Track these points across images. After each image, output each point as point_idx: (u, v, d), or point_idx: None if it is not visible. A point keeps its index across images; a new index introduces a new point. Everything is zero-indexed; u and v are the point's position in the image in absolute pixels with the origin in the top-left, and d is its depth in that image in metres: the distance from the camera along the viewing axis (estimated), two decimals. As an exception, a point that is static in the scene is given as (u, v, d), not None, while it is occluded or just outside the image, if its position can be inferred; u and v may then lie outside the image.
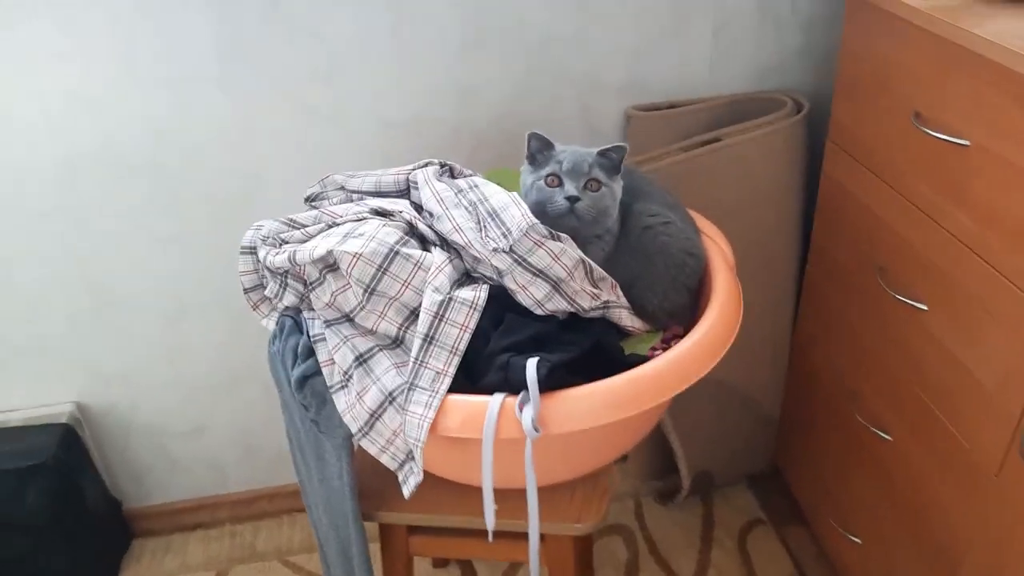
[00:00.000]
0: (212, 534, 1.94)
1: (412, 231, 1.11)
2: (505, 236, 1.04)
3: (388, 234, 1.05)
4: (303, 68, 1.42)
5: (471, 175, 1.24)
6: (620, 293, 1.15)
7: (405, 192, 1.19)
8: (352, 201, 1.20)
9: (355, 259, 1.02)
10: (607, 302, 1.11)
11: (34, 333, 1.59)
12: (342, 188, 1.23)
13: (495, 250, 1.03)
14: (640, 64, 1.50)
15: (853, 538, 1.50)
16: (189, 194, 1.50)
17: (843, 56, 1.38)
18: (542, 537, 1.22)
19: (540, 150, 1.16)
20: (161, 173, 1.47)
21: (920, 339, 1.23)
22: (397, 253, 1.03)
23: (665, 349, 1.18)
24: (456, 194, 1.12)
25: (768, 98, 1.57)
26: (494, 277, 1.07)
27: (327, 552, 1.29)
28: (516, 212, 1.05)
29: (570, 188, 1.12)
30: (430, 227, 1.11)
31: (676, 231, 1.20)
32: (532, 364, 0.96)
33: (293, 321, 1.12)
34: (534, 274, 1.04)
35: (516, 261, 1.03)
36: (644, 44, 1.48)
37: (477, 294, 1.03)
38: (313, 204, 1.24)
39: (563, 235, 1.06)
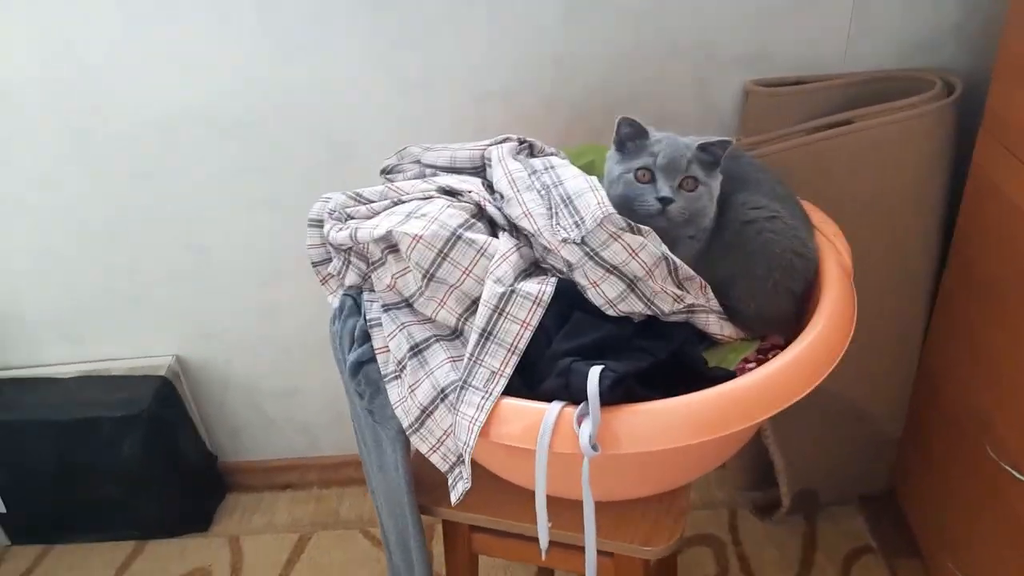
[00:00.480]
0: (300, 496, 1.97)
1: (480, 213, 1.02)
2: (577, 225, 0.93)
3: (452, 216, 0.96)
4: (394, 33, 1.36)
5: (552, 153, 1.13)
6: (710, 295, 1.02)
7: (480, 169, 1.11)
8: (426, 176, 1.13)
9: (415, 241, 0.94)
10: (692, 305, 0.98)
11: (137, 284, 1.65)
12: (418, 161, 1.16)
13: (565, 240, 0.92)
14: (765, 33, 1.33)
15: (975, 587, 1.30)
16: (281, 159, 1.49)
17: (1008, 32, 1.16)
18: (611, 554, 1.12)
19: (632, 137, 1.04)
20: (255, 136, 1.46)
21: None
22: (459, 237, 0.95)
23: (760, 363, 1.04)
24: (530, 175, 1.02)
25: (914, 77, 1.36)
26: (564, 270, 0.96)
27: (388, 538, 1.25)
28: (592, 199, 0.94)
29: (663, 187, 0.99)
30: (499, 210, 1.01)
31: (783, 227, 1.04)
32: (595, 373, 0.86)
33: (353, 301, 1.06)
34: (607, 270, 0.93)
35: (588, 254, 0.92)
36: (771, 9, 1.31)
37: (542, 288, 0.93)
38: (388, 176, 1.18)
39: (645, 228, 0.94)
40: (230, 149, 1.45)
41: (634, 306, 0.94)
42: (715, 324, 1.01)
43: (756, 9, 1.32)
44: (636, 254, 0.92)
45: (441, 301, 0.97)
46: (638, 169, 1.01)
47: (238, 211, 1.52)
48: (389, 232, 0.95)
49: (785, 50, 1.35)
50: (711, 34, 1.34)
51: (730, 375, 0.94)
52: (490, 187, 1.07)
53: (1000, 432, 1.22)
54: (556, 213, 0.96)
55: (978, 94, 1.29)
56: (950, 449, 1.42)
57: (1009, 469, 1.18)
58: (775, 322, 1.06)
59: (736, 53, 1.37)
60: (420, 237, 0.94)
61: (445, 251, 0.95)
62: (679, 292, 0.96)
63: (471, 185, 1.04)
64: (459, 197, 1.03)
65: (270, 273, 1.61)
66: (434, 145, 1.16)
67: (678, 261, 0.96)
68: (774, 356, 1.07)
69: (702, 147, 1.02)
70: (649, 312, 0.95)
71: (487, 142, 1.11)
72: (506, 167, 1.03)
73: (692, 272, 0.98)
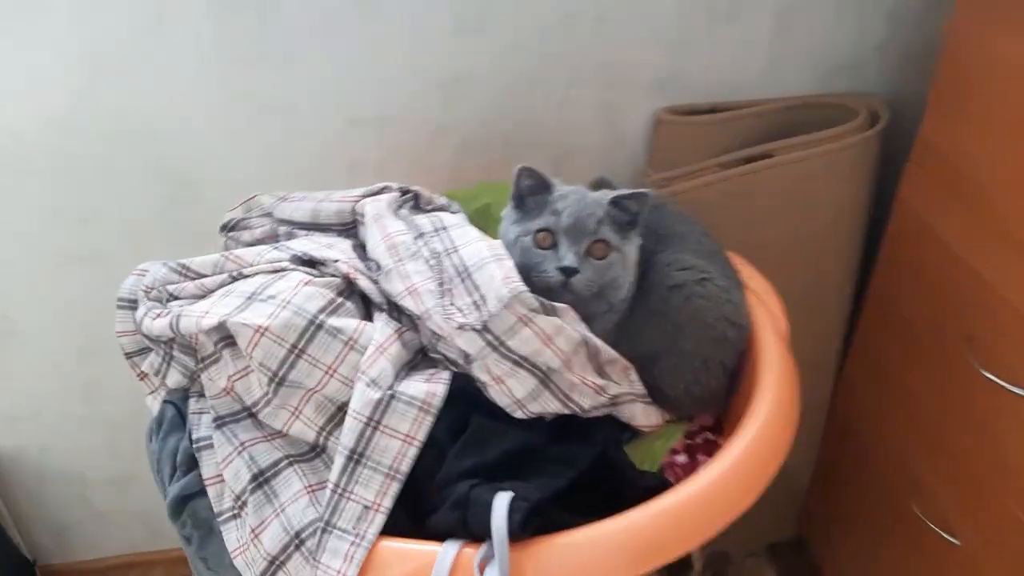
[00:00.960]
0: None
1: (350, 289, 0.80)
2: (477, 306, 0.73)
3: (310, 297, 0.75)
4: (247, 45, 1.11)
5: (443, 207, 0.93)
6: (635, 378, 0.84)
7: (351, 227, 0.89)
8: (279, 236, 0.90)
9: (258, 334, 0.72)
10: (616, 396, 0.80)
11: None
12: (269, 215, 0.93)
13: (462, 327, 0.73)
14: (678, 55, 1.19)
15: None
16: (102, 202, 1.20)
17: (946, 55, 1.04)
18: None
19: (533, 191, 0.85)
20: (67, 175, 1.17)
21: (1016, 433, 0.92)
22: (320, 326, 0.73)
23: (690, 450, 0.88)
24: (415, 239, 0.81)
25: (836, 104, 1.24)
26: (460, 362, 0.77)
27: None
28: (496, 272, 0.74)
29: (567, 254, 0.81)
30: (376, 284, 0.80)
31: (714, 292, 0.88)
32: (502, 504, 0.66)
33: (177, 411, 0.82)
34: (515, 362, 0.74)
35: (491, 344, 0.73)
36: (684, 28, 1.16)
37: (432, 389, 0.73)
38: (231, 235, 0.94)
39: (560, 305, 0.75)
40: (34, 192, 1.16)
41: (548, 405, 0.75)
42: (641, 414, 0.84)
43: (668, 28, 1.16)
44: (551, 341, 0.73)
45: (296, 410, 0.75)
46: (538, 231, 0.82)
47: (48, 270, 1.24)
48: (223, 322, 0.72)
49: (700, 73, 1.21)
50: (619, 54, 1.18)
51: (663, 483, 0.76)
52: (364, 251, 0.85)
53: (930, 492, 1.12)
54: (450, 290, 0.76)
55: (902, 121, 1.18)
56: (865, 495, 1.32)
57: (938, 531, 1.08)
58: (705, 401, 0.90)
59: (646, 77, 1.21)
60: (266, 329, 0.72)
61: (300, 346, 0.73)
62: (601, 382, 0.78)
63: (338, 251, 0.82)
64: (321, 268, 0.81)
65: (90, 343, 1.33)
66: (291, 194, 0.93)
67: (600, 344, 0.78)
68: (703, 440, 0.92)
69: (616, 202, 0.84)
70: (566, 411, 0.77)
71: (359, 192, 0.89)
72: (384, 228, 0.82)
73: (615, 354, 0.80)
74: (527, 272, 0.80)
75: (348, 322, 0.75)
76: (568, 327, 0.75)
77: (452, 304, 0.74)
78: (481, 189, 1.20)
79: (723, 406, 0.93)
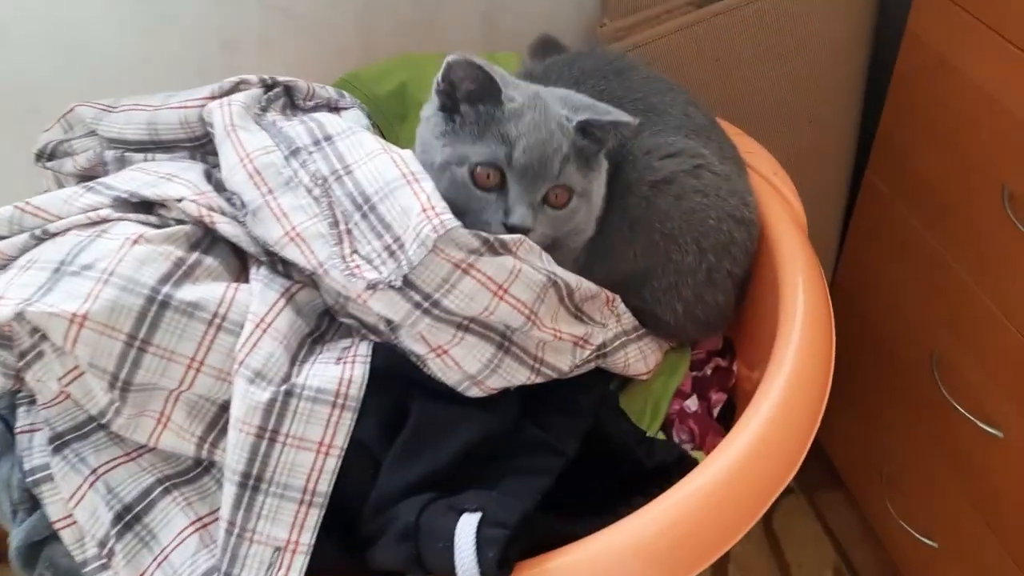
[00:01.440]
0: None
1: (209, 238, 0.56)
2: (391, 252, 0.50)
3: (145, 261, 0.50)
4: None
5: (329, 103, 0.66)
6: (622, 310, 0.63)
7: (205, 141, 0.63)
8: (108, 161, 0.64)
9: (75, 326, 0.48)
10: (604, 345, 0.59)
11: None
12: (94, 132, 0.66)
13: (372, 285, 0.50)
14: None
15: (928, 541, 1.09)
16: None
17: None
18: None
19: (472, 98, 0.59)
20: None
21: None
22: (166, 304, 0.50)
23: (699, 386, 0.69)
24: (287, 157, 0.56)
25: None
26: (382, 328, 0.54)
27: None
28: (411, 200, 0.51)
29: (518, 206, 0.56)
30: (244, 226, 0.56)
31: (712, 181, 0.67)
32: (468, 536, 0.46)
33: (5, 426, 0.58)
34: (460, 326, 0.51)
35: (419, 305, 0.50)
36: None
37: (346, 374, 0.51)
38: (49, 166, 0.67)
39: (511, 238, 0.53)
40: None
41: (513, 376, 0.54)
42: (637, 357, 0.63)
43: None
44: (505, 291, 0.51)
45: (161, 416, 0.53)
46: (479, 165, 0.57)
47: None
48: (20, 313, 0.48)
49: None
50: None
51: (681, 458, 0.57)
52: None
53: (961, 373, 0.96)
54: (348, 231, 0.52)
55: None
56: (880, 376, 1.17)
57: (974, 419, 0.93)
58: (711, 323, 0.70)
59: None
60: (83, 317, 0.48)
61: (141, 335, 0.49)
62: (581, 331, 0.57)
63: (181, 184, 0.56)
64: (160, 213, 0.56)
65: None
66: (120, 101, 0.66)
67: (572, 278, 0.56)
68: (713, 370, 0.73)
69: (585, 128, 0.59)
70: (539, 379, 0.55)
71: (206, 91, 0.62)
72: (240, 145, 0.56)
73: (594, 288, 0.58)
74: (458, 215, 0.55)
75: (208, 290, 0.51)
76: (526, 266, 0.52)
77: (355, 252, 0.51)
78: (394, 64, 0.93)
79: (731, 322, 0.73)
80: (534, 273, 0.52)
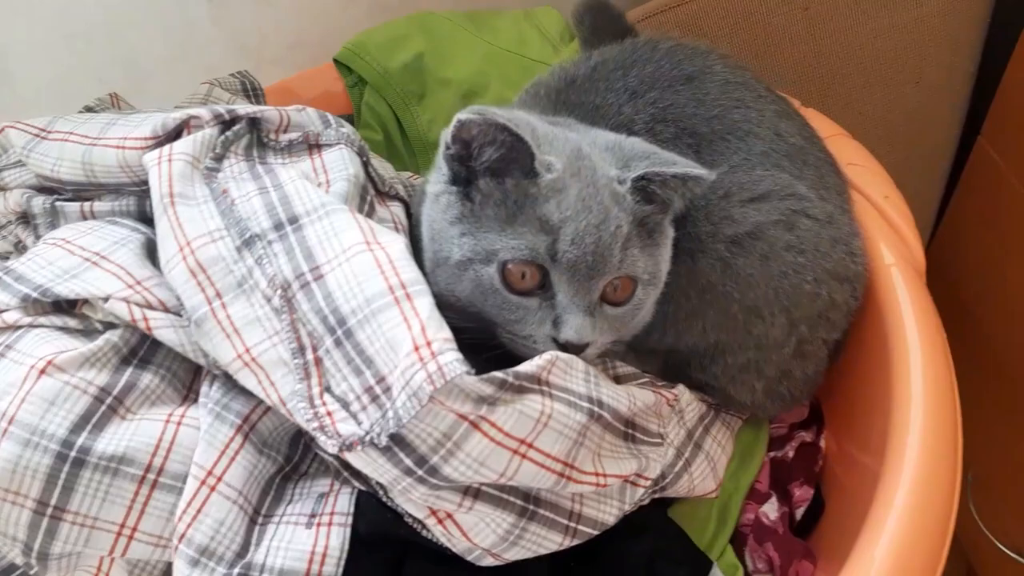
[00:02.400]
0: None
1: (146, 343, 0.43)
2: (374, 397, 0.37)
3: (53, 401, 0.38)
4: None
5: (303, 138, 0.49)
6: (685, 401, 0.50)
7: (148, 187, 0.48)
8: (36, 213, 0.50)
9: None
10: (661, 477, 0.46)
11: None
12: (19, 163, 0.52)
13: (346, 444, 0.37)
14: None
15: None
16: None
17: None
18: None
19: (498, 165, 0.43)
20: None
21: None
22: (82, 462, 0.38)
23: (778, 474, 0.56)
24: (242, 247, 0.41)
25: None
26: (367, 473, 0.41)
27: None
28: (400, 330, 0.37)
29: (573, 317, 0.42)
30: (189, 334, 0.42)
31: (811, 230, 0.51)
32: None
33: None
34: (465, 491, 0.38)
35: (410, 471, 0.37)
36: None
37: (318, 545, 0.39)
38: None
39: (535, 364, 0.39)
40: None
41: (541, 544, 0.41)
42: (704, 474, 0.49)
43: None
44: (530, 445, 0.38)
45: (98, 573, 0.42)
46: (511, 263, 0.42)
47: None
48: None
49: None
50: None
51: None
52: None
53: None
54: (318, 360, 0.38)
55: None
56: (975, 367, 1.02)
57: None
58: (797, 398, 0.56)
59: None
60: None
61: (53, 501, 0.38)
62: (630, 468, 0.43)
63: (112, 270, 0.43)
64: (85, 309, 0.43)
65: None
66: (54, 124, 0.51)
67: (623, 401, 0.42)
68: (796, 448, 0.59)
69: (644, 186, 0.44)
70: (574, 542, 0.42)
71: (147, 127, 0.47)
72: (180, 226, 0.41)
73: (650, 397, 0.45)
74: (488, 325, 0.43)
75: (140, 433, 0.39)
76: (559, 404, 0.38)
77: (327, 390, 0.38)
78: (406, 29, 0.77)
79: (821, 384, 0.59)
80: (570, 412, 0.39)
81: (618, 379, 0.48)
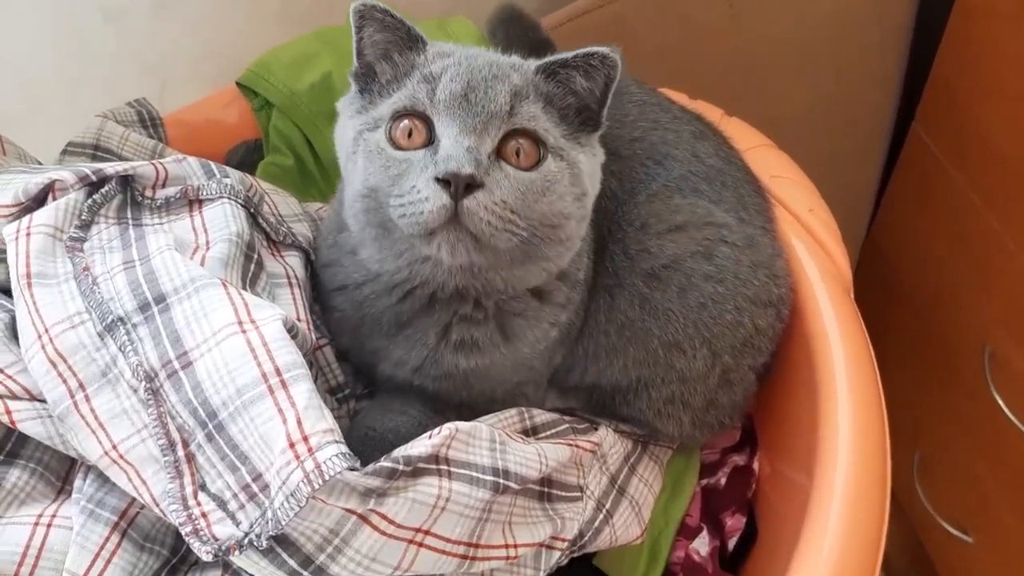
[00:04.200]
0: None
1: (12, 436, 0.39)
2: (251, 495, 0.34)
3: None
4: None
5: (182, 193, 0.45)
6: (608, 444, 0.47)
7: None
8: None
9: None
10: (579, 535, 0.43)
11: None
12: None
13: (224, 550, 0.33)
14: None
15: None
16: None
17: None
18: None
19: (387, 54, 0.44)
20: None
21: None
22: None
23: (710, 501, 0.55)
24: (104, 332, 0.37)
25: None
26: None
27: None
28: (274, 423, 0.34)
29: (455, 150, 0.39)
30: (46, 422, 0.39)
31: (732, 259, 0.49)
32: None
33: None
34: None
35: (295, 573, 0.34)
36: None
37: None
38: None
39: (437, 440, 0.36)
40: None
41: None
42: (628, 521, 0.47)
43: None
44: (427, 533, 0.35)
45: None
46: (396, 116, 0.41)
47: None
48: None
49: None
50: None
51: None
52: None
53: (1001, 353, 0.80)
54: (191, 456, 0.35)
55: None
56: (921, 353, 1.02)
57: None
58: (726, 424, 0.55)
59: None
60: None
61: None
62: (545, 532, 0.41)
63: None
64: None
65: None
66: None
67: (533, 465, 0.40)
68: (728, 473, 0.57)
69: (549, 70, 0.43)
70: None
71: (10, 193, 0.42)
72: (37, 312, 0.37)
73: (565, 453, 0.42)
74: (378, 209, 0.41)
75: (5, 539, 0.36)
76: (458, 483, 0.36)
77: (202, 488, 0.34)
78: (311, 47, 0.73)
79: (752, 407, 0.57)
80: (472, 491, 0.36)
81: (535, 429, 0.46)
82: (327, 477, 0.32)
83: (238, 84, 0.72)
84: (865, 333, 0.53)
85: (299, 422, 0.33)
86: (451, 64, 0.42)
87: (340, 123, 0.46)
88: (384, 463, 0.34)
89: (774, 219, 0.55)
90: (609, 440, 0.48)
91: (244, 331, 0.36)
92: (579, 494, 0.44)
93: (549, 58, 0.43)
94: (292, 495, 0.32)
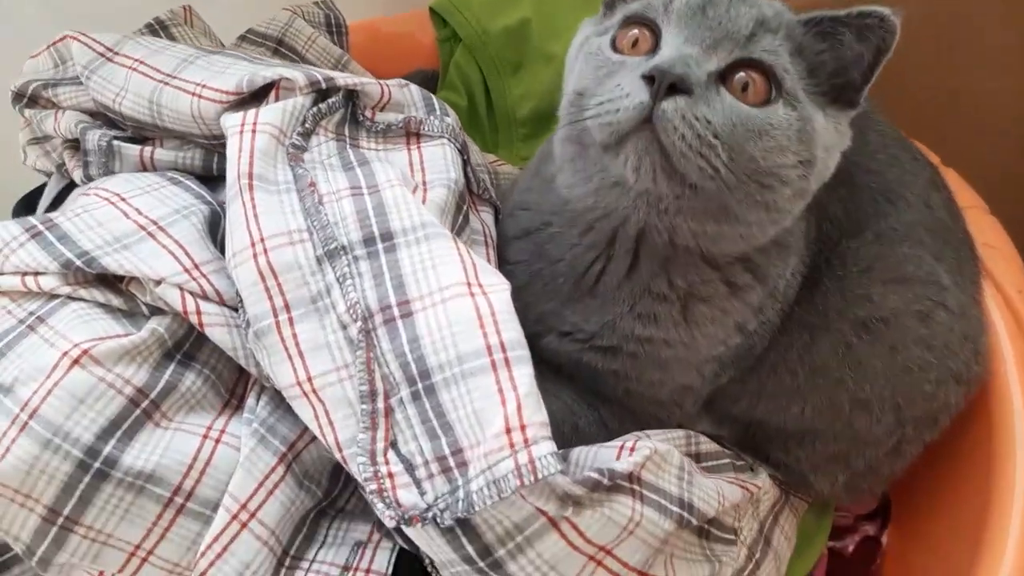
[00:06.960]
0: None
1: (195, 341, 0.38)
2: (446, 469, 0.32)
3: (83, 398, 0.34)
4: None
5: (403, 123, 0.42)
6: (764, 489, 0.45)
7: (223, 140, 0.42)
8: (90, 150, 0.45)
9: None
10: None
11: None
12: (76, 80, 0.46)
13: (405, 517, 0.32)
14: None
15: None
16: None
17: None
18: None
19: None
20: None
21: None
22: (104, 474, 0.34)
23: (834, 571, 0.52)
24: (323, 257, 0.35)
25: None
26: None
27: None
28: (493, 402, 0.32)
29: (671, 53, 0.36)
30: (249, 344, 0.37)
31: (945, 325, 0.45)
32: None
33: None
34: None
35: (471, 560, 0.33)
36: None
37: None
38: (26, 113, 0.49)
39: (635, 460, 0.34)
40: None
41: None
42: (769, 570, 0.45)
43: None
44: (608, 553, 0.33)
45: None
46: (627, 21, 0.39)
47: None
48: None
49: None
50: None
51: None
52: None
53: None
54: (389, 409, 0.33)
55: None
56: None
57: None
58: (874, 492, 0.51)
59: None
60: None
61: (67, 511, 0.34)
62: (701, 574, 0.38)
63: (169, 246, 0.37)
64: (132, 287, 0.38)
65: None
66: (122, 46, 0.45)
67: (712, 501, 0.37)
68: (858, 543, 0.54)
69: (814, 20, 0.38)
70: None
71: (233, 79, 0.41)
72: (255, 218, 0.36)
73: (737, 494, 0.40)
74: (579, 113, 0.37)
75: (173, 446, 0.35)
76: (649, 509, 0.33)
77: (392, 446, 0.33)
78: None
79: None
80: (659, 519, 0.34)
81: (699, 456, 0.43)
82: (539, 476, 0.30)
83: (431, 9, 0.69)
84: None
85: (519, 408, 0.31)
86: None
87: (575, 44, 0.42)
88: (590, 474, 0.32)
89: (983, 291, 0.51)
90: (766, 486, 0.45)
91: (472, 294, 0.33)
92: (733, 537, 0.41)
93: (816, 13, 0.38)
94: (495, 483, 0.30)
